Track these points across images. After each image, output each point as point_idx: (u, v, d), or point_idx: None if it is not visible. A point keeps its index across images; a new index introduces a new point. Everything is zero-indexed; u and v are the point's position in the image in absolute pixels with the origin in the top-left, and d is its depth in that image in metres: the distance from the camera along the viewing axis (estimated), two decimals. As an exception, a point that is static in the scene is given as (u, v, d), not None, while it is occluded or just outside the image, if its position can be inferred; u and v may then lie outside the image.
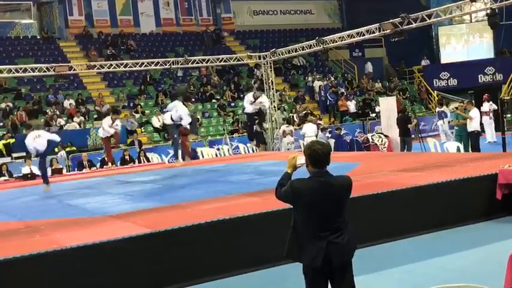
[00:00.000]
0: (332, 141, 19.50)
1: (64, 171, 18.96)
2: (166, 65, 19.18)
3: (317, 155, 4.21)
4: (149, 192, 11.41)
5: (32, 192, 13.31)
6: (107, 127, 15.22)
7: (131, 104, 25.19)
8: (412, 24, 14.98)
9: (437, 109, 20.72)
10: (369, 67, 31.89)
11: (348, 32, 17.16)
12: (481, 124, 17.38)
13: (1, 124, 22.37)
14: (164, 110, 14.83)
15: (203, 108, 26.28)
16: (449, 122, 18.90)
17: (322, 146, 4.32)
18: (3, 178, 17.36)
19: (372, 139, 19.60)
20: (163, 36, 31.36)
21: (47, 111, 23.50)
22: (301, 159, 4.43)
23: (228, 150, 21.71)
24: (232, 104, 26.42)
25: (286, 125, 21.68)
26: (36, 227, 8.03)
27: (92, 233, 7.18)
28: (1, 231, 8.12)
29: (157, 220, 7.58)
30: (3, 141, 19.91)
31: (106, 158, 17.07)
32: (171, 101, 14.87)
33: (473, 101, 18.37)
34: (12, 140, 19.48)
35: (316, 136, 18.72)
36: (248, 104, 15.49)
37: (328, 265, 4.16)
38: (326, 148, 4.31)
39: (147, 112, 24.93)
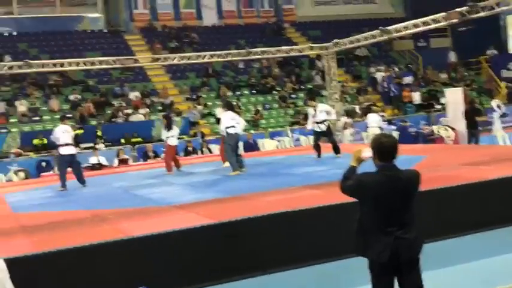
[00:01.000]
0: (396, 134, 19.14)
1: (130, 161, 19.43)
2: (228, 57, 19.27)
3: (384, 148, 4.12)
4: (212, 183, 11.53)
5: (99, 182, 13.69)
6: (164, 137, 14.93)
7: (194, 96, 25.51)
8: (480, 13, 14.45)
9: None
10: (452, 56, 30.97)
11: (413, 22, 16.73)
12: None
13: (70, 115, 23.09)
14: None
15: (264, 100, 26.33)
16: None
17: (389, 138, 4.23)
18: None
19: (438, 131, 19.12)
20: (225, 29, 31.56)
21: (114, 103, 24.12)
22: (367, 153, 4.34)
23: (289, 142, 21.67)
24: (293, 96, 26.33)
25: (347, 117, 21.43)
26: (103, 216, 8.25)
27: (156, 223, 7.33)
28: (69, 220, 8.39)
29: (220, 211, 7.65)
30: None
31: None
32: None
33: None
34: (80, 131, 20.07)
35: (380, 128, 18.37)
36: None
37: (395, 261, 4.08)
38: (393, 141, 4.21)
39: (209, 104, 25.19)
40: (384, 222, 4.08)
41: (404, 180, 4.15)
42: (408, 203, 4.16)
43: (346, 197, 4.48)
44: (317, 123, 14.16)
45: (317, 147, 14.30)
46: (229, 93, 26.30)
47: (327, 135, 14.51)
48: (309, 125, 14.63)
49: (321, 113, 14.22)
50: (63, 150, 12.90)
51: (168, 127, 14.77)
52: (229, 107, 13.65)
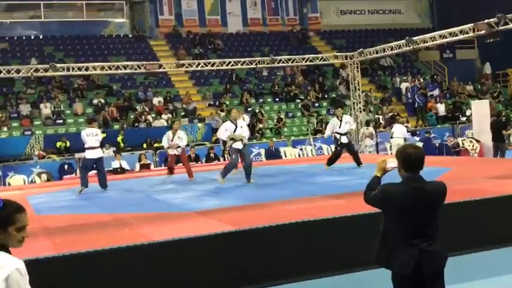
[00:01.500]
0: (420, 145, 18.93)
1: (151, 166, 19.51)
2: (252, 64, 19.28)
3: (410, 159, 4.04)
4: (233, 189, 11.50)
5: (120, 186, 13.75)
6: (166, 144, 14.57)
7: (217, 103, 25.56)
8: (509, 24, 14.25)
9: None
10: (487, 68, 30.63)
11: (439, 32, 16.58)
12: None
13: (95, 119, 23.25)
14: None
15: (287, 108, 26.29)
16: None
17: (416, 149, 4.15)
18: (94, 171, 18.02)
19: (463, 144, 18.89)
20: (250, 36, 31.64)
21: (137, 107, 24.27)
22: (391, 163, 4.27)
23: (311, 150, 21.59)
24: (316, 105, 26.26)
25: (366, 127, 21.29)
26: (125, 220, 8.26)
27: (178, 228, 7.31)
28: (92, 223, 8.41)
29: (241, 218, 7.61)
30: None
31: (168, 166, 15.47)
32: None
33: None
34: (103, 135, 20.18)
35: (405, 139, 18.19)
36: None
37: (419, 273, 3.99)
38: (420, 152, 4.13)
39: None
40: (408, 234, 4.01)
41: (431, 192, 4.07)
42: (433, 215, 4.08)
43: (369, 208, 4.41)
44: (341, 134, 14.07)
45: (336, 158, 14.21)
46: (252, 101, 26.32)
47: (349, 146, 14.43)
48: (328, 132, 14.59)
49: (346, 124, 14.17)
50: (88, 154, 12.97)
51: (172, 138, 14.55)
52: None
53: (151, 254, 6.31)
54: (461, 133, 22.75)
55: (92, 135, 12.92)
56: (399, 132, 18.50)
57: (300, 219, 7.11)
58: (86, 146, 12.94)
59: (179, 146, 14.34)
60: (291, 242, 6.86)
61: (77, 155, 19.18)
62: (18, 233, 2.89)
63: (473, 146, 18.61)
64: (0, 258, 2.78)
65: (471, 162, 15.34)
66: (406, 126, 20.64)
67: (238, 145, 12.42)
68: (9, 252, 2.86)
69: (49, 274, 5.89)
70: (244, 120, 14.50)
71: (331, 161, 14.26)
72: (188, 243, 6.48)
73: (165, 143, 14.65)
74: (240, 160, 12.77)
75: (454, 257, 6.15)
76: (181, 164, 15.23)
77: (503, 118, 18.81)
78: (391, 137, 18.92)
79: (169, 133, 14.52)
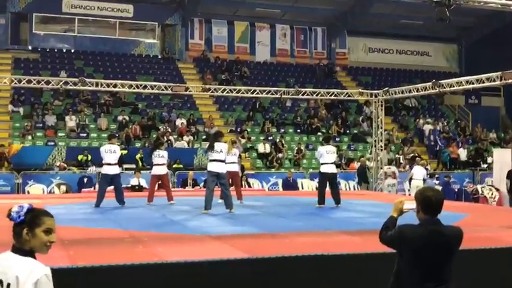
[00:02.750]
0: (439, 188, 18.82)
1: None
2: (277, 94, 19.45)
3: (430, 202, 4.07)
4: (248, 217, 11.51)
5: (138, 203, 13.85)
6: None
7: (238, 129, 25.72)
8: (537, 75, 14.27)
9: None
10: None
11: (466, 78, 16.63)
12: None
13: (116, 135, 23.54)
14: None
15: (308, 140, 26.35)
16: None
17: (436, 192, 4.18)
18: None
19: (482, 191, 18.73)
20: (277, 66, 31.92)
21: (160, 127, 24.52)
22: (408, 204, 4.30)
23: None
24: (337, 139, 26.28)
25: (388, 167, 21.24)
26: (139, 238, 8.33)
27: (191, 250, 7.36)
28: (106, 238, 8.50)
29: (255, 246, 7.63)
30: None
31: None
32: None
33: None
34: (125, 152, 20.42)
35: (424, 181, 18.10)
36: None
37: (430, 317, 3.99)
38: (439, 195, 4.17)
39: (253, 138, 25.36)
40: (422, 277, 4.02)
41: (447, 236, 4.09)
42: (448, 260, 4.10)
43: (383, 247, 4.43)
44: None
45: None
46: (274, 130, 26.45)
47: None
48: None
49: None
50: (105, 170, 13.15)
51: (149, 155, 14.37)
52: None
53: (164, 273, 6.36)
54: (481, 180, 22.57)
55: (110, 152, 13.10)
56: (419, 174, 18.41)
57: (313, 252, 7.11)
58: (103, 161, 13.14)
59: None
60: (302, 275, 6.85)
61: (95, 169, 19.42)
62: (46, 236, 2.99)
63: (492, 194, 18.45)
64: (29, 263, 2.91)
65: (489, 210, 15.20)
66: (427, 169, 20.54)
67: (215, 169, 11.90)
68: (35, 258, 2.96)
69: (62, 285, 5.96)
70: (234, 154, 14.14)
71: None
72: (200, 266, 6.51)
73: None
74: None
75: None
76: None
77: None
78: (411, 179, 18.84)
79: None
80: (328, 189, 13.74)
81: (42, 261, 6.10)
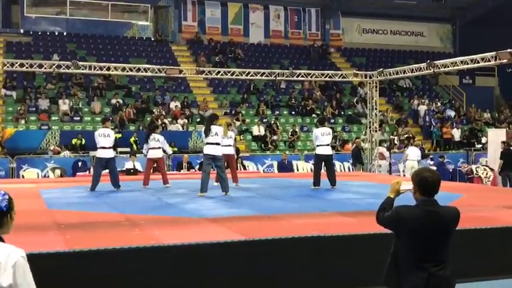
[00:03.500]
0: (434, 169, 18.87)
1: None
2: (271, 76, 19.36)
3: (427, 183, 4.07)
4: (245, 199, 11.53)
5: (133, 187, 13.84)
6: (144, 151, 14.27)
7: (233, 112, 25.67)
8: (532, 55, 14.21)
9: None
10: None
11: (461, 58, 16.58)
12: None
13: (110, 118, 23.45)
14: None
15: (302, 121, 26.34)
16: None
17: (432, 173, 4.17)
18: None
19: (476, 171, 18.81)
20: (271, 48, 31.78)
21: (154, 110, 24.44)
22: (405, 185, 4.30)
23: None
24: (332, 121, 26.26)
25: (381, 147, 21.27)
26: (136, 221, 8.33)
27: (188, 233, 7.37)
28: (102, 221, 8.51)
29: (251, 228, 7.64)
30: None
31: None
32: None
33: None
34: (119, 135, 20.34)
35: (418, 162, 18.16)
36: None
37: (427, 298, 4.01)
38: (436, 176, 4.16)
39: (248, 120, 25.33)
40: (419, 257, 4.02)
41: (444, 216, 4.09)
42: (445, 240, 4.10)
43: (379, 228, 4.43)
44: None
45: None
46: (268, 112, 26.40)
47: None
48: None
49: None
50: (100, 153, 13.12)
51: (146, 140, 14.28)
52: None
53: (160, 256, 6.37)
54: (475, 160, 22.66)
55: (104, 136, 13.08)
56: (414, 155, 18.47)
57: (309, 233, 7.13)
58: (98, 145, 13.11)
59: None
60: (299, 257, 6.87)
61: (91, 153, 19.32)
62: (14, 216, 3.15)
63: (486, 173, 18.54)
64: (5, 247, 2.99)
65: (484, 190, 15.26)
66: (422, 149, 20.57)
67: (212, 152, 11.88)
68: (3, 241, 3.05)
69: (59, 269, 5.97)
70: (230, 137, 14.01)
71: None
72: (197, 248, 6.52)
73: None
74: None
75: (462, 284, 6.16)
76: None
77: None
78: (406, 159, 18.90)
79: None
80: (323, 171, 13.80)
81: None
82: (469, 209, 9.46)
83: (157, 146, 14.06)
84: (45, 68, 17.74)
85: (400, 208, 4.13)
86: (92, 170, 16.74)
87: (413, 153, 18.67)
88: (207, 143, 11.92)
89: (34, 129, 22.27)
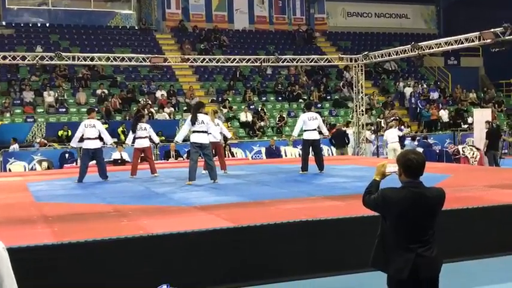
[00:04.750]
0: (420, 150, 18.95)
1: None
2: (257, 62, 19.32)
3: (412, 165, 4.08)
4: (233, 186, 11.54)
5: (121, 177, 13.80)
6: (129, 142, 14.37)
7: (220, 99, 25.61)
8: (516, 34, 14.28)
9: None
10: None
11: (445, 39, 16.64)
12: None
13: (96, 109, 23.32)
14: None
15: (289, 107, 26.34)
16: None
17: (417, 155, 4.19)
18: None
19: (463, 151, 18.92)
20: (256, 34, 31.68)
21: (140, 100, 24.31)
22: (391, 168, 4.31)
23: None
24: (319, 105, 26.28)
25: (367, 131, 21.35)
26: (124, 212, 8.31)
27: (177, 222, 7.36)
28: (90, 213, 8.46)
29: (240, 215, 7.65)
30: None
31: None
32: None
33: None
34: (105, 126, 20.21)
35: (399, 137, 18.35)
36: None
37: (415, 279, 4.04)
38: (421, 158, 4.18)
39: (235, 107, 25.28)
40: (405, 239, 4.05)
41: (430, 197, 4.11)
42: (431, 221, 4.13)
43: (367, 211, 4.46)
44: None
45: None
46: (255, 98, 26.37)
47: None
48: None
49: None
50: (87, 144, 13.05)
51: (133, 129, 14.14)
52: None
53: (150, 246, 6.36)
54: (461, 140, 22.80)
55: (89, 126, 13.01)
56: (392, 137, 18.65)
57: (298, 218, 7.16)
58: (84, 136, 13.04)
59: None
60: (288, 242, 6.90)
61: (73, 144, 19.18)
62: None
63: (473, 153, 18.65)
64: None
65: (470, 170, 15.38)
66: (400, 129, 20.57)
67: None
68: None
69: (48, 262, 5.95)
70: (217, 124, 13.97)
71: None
72: (186, 237, 6.52)
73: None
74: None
75: (450, 264, 6.22)
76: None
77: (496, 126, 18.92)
78: (387, 142, 19.01)
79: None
80: (311, 155, 13.83)
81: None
82: (457, 189, 9.55)
83: (144, 135, 14.00)
84: (29, 60, 17.59)
85: (385, 190, 4.15)
86: (79, 161, 16.67)
87: (391, 135, 18.82)
88: (194, 131, 11.90)
89: (19, 122, 22.11)
